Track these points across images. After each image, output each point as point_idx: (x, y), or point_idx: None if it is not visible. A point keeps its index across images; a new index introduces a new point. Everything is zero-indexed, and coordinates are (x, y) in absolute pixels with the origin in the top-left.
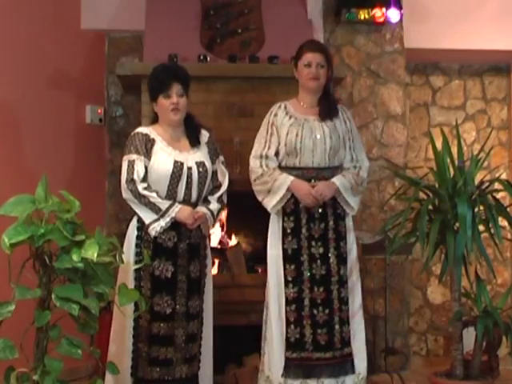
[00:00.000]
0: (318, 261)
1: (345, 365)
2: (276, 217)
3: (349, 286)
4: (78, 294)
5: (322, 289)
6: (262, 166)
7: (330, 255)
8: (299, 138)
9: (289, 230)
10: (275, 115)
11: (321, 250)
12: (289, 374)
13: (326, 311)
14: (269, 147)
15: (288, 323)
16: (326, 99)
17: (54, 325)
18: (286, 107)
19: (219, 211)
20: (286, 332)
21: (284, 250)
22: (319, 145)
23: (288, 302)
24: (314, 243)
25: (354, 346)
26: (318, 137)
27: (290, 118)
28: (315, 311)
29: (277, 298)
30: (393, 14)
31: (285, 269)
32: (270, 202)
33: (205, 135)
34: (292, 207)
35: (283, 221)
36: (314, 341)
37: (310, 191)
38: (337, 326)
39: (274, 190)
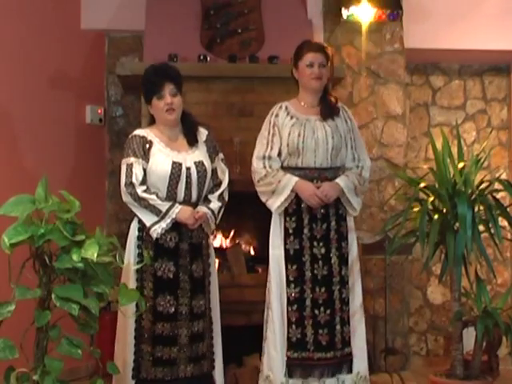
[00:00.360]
0: (320, 261)
1: (343, 364)
2: (278, 217)
3: (349, 286)
4: (78, 294)
5: (323, 289)
6: (265, 167)
7: (331, 256)
8: (301, 138)
9: (291, 231)
10: (276, 116)
11: (323, 251)
12: (290, 373)
13: (328, 311)
14: (271, 148)
15: (289, 323)
16: (326, 99)
17: (53, 325)
18: (286, 108)
19: (220, 209)
20: (288, 332)
21: (286, 251)
22: (321, 145)
23: (290, 302)
24: (315, 244)
25: (353, 345)
26: (320, 137)
27: (292, 118)
28: (317, 311)
29: (279, 298)
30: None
31: (287, 269)
32: (275, 203)
33: (203, 133)
34: (294, 207)
35: (285, 221)
36: (315, 341)
37: (316, 192)
38: (338, 327)
39: (278, 191)
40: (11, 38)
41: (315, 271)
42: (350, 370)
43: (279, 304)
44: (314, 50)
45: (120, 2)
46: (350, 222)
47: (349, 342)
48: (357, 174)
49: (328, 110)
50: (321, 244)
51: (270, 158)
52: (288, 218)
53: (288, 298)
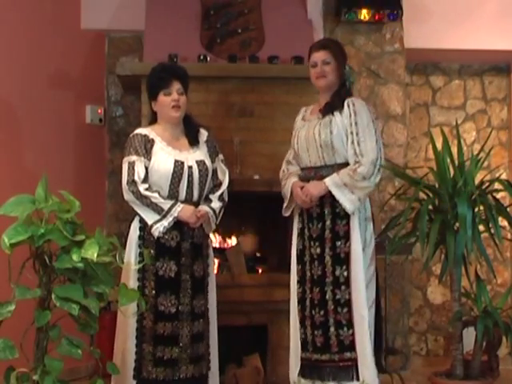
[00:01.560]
0: (316, 261)
1: (347, 370)
2: (295, 217)
3: (352, 288)
4: (78, 293)
5: (317, 289)
6: (284, 170)
7: (325, 255)
8: (296, 139)
9: (298, 231)
10: (296, 121)
11: (318, 250)
12: (302, 373)
13: (322, 312)
14: (290, 152)
15: (299, 323)
16: (334, 95)
17: (53, 325)
18: (305, 111)
19: (221, 210)
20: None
21: (296, 250)
22: (311, 143)
23: (298, 302)
24: (312, 243)
25: (357, 351)
26: (311, 135)
27: (302, 120)
28: (313, 312)
29: (292, 298)
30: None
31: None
32: (284, 206)
33: (204, 134)
34: (300, 208)
35: (297, 221)
36: (312, 342)
37: (298, 192)
38: (332, 329)
39: (285, 194)
40: (11, 37)
41: (312, 271)
42: (356, 378)
43: (292, 303)
44: (316, 48)
45: (120, 2)
46: (354, 221)
47: (351, 347)
48: (351, 170)
49: (327, 106)
50: (317, 244)
51: (289, 161)
52: (297, 219)
53: (297, 298)
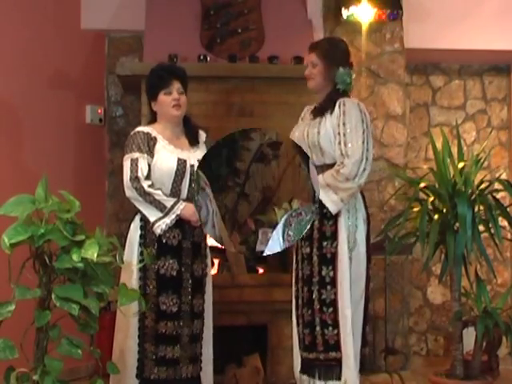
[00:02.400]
0: (305, 261)
1: (331, 369)
2: None
3: (338, 288)
4: (78, 293)
5: (306, 289)
6: None
7: (313, 255)
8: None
9: None
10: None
11: (307, 250)
12: (301, 370)
13: (309, 312)
14: None
15: (296, 320)
16: (326, 96)
17: (54, 325)
18: (307, 110)
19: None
20: None
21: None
22: (302, 144)
23: (295, 300)
24: (303, 243)
25: (342, 351)
26: (301, 136)
27: (301, 120)
28: (304, 311)
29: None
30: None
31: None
32: None
33: (202, 135)
34: None
35: None
36: (303, 340)
37: None
38: (318, 328)
39: None
40: (11, 37)
41: (303, 270)
42: (339, 377)
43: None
44: (308, 50)
45: (120, 2)
46: (341, 222)
47: (335, 346)
48: (334, 171)
49: (318, 108)
50: (307, 243)
51: None
52: None
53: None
